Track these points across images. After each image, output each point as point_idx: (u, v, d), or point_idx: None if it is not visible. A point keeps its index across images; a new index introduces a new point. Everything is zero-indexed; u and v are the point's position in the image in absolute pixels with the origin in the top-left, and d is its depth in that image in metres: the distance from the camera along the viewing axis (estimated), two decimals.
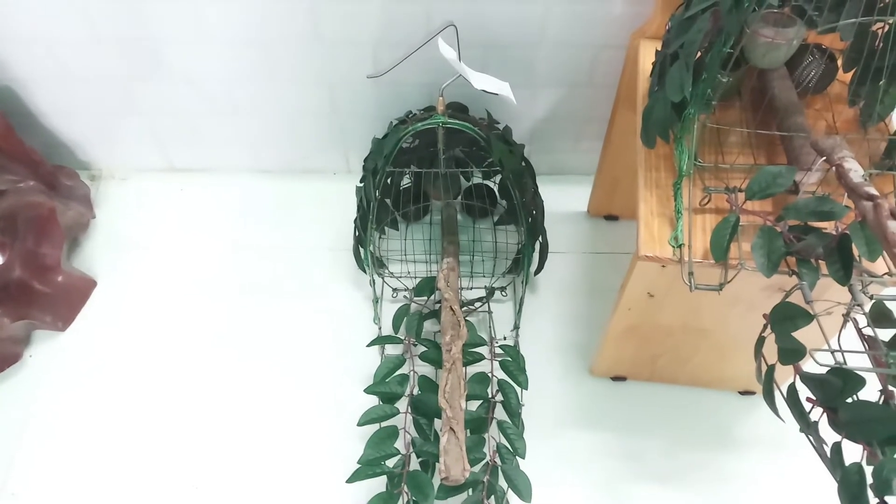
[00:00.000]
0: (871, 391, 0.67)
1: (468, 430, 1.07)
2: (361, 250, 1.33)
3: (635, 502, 1.18)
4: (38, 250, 1.32)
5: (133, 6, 1.23)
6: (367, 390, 1.13)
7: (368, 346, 1.27)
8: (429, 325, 1.31)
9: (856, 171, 0.77)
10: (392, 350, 1.31)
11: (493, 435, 1.10)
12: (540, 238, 1.32)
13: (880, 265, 0.81)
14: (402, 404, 1.13)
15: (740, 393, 1.29)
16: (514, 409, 1.12)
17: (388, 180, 1.32)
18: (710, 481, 1.20)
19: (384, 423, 1.10)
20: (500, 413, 1.13)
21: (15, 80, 1.38)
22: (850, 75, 0.96)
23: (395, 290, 1.39)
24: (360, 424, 1.09)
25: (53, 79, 1.39)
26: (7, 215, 1.28)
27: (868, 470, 0.63)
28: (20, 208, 1.30)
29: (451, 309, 1.16)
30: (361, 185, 1.26)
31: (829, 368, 0.68)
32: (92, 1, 1.22)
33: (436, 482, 1.01)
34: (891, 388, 0.67)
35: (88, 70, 1.36)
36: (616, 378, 1.31)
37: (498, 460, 1.06)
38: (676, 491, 1.19)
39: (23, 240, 1.30)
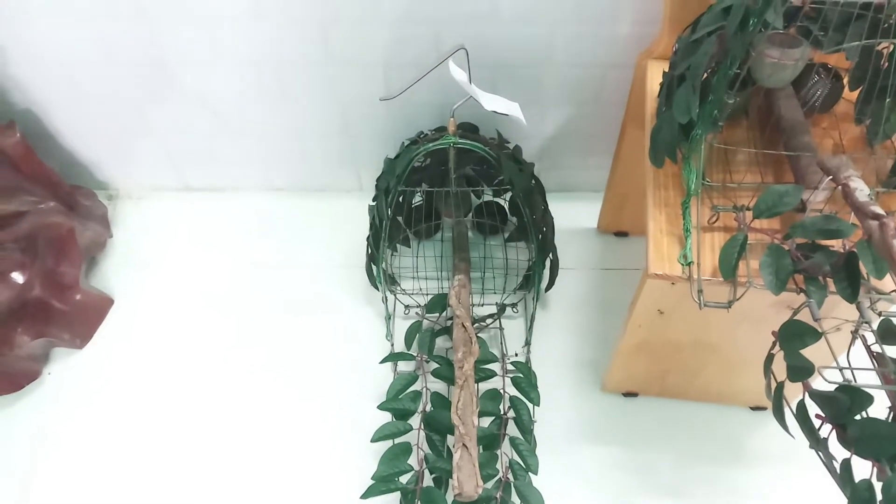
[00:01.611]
0: (880, 408, 0.68)
1: (481, 447, 1.08)
2: (374, 268, 1.35)
3: None
4: (57, 269, 1.34)
5: (148, 29, 1.26)
6: (381, 407, 1.15)
7: (381, 362, 1.28)
8: (441, 342, 1.32)
9: (861, 190, 0.78)
10: (404, 367, 1.32)
11: (506, 451, 1.11)
12: (550, 255, 1.33)
13: (888, 283, 0.81)
14: (415, 421, 1.14)
15: (751, 408, 1.29)
16: (526, 426, 1.13)
17: (401, 199, 1.34)
18: (721, 496, 1.20)
19: (397, 440, 1.11)
20: (512, 429, 1.14)
21: (35, 102, 1.41)
22: (856, 94, 0.97)
23: (407, 306, 1.41)
24: (373, 441, 1.10)
25: (71, 101, 1.42)
26: (28, 235, 1.31)
27: (878, 486, 0.64)
28: (40, 228, 1.32)
29: (463, 325, 1.17)
30: (374, 203, 1.28)
31: (837, 386, 0.69)
32: (108, 25, 1.25)
33: (449, 498, 1.02)
34: None
35: (105, 92, 1.39)
36: (627, 394, 1.31)
37: (510, 476, 1.07)
38: None
39: (42, 259, 1.32)
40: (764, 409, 1.28)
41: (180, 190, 1.66)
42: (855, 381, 0.70)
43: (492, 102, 1.07)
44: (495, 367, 1.21)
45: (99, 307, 1.44)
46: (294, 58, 1.31)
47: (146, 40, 1.28)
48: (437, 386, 1.21)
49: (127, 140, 1.53)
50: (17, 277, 1.28)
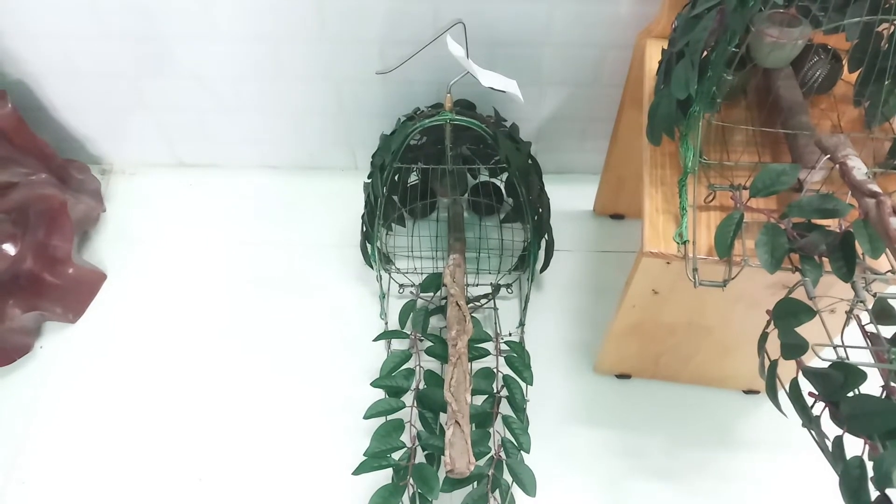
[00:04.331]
0: (872, 388, 0.68)
1: (473, 425, 1.08)
2: (368, 246, 1.34)
3: (638, 499, 1.19)
4: (49, 242, 1.33)
5: (142, 3, 1.25)
6: (374, 384, 1.14)
7: (375, 340, 1.28)
8: (435, 321, 1.32)
9: (859, 168, 0.78)
10: (398, 345, 1.32)
11: (498, 430, 1.11)
12: (546, 236, 1.33)
13: (883, 263, 0.81)
14: (408, 398, 1.14)
15: (744, 392, 1.29)
16: (518, 405, 1.13)
17: (396, 177, 1.33)
18: (712, 480, 1.21)
19: (390, 417, 1.11)
20: (505, 408, 1.14)
21: (27, 74, 1.40)
22: (855, 75, 0.97)
23: (401, 285, 1.40)
24: (366, 417, 1.10)
25: (64, 74, 1.40)
26: (19, 207, 1.30)
27: (869, 464, 0.64)
28: (32, 201, 1.31)
29: (457, 304, 1.17)
30: (369, 181, 1.27)
31: (830, 363, 0.69)
32: None
33: (441, 475, 1.02)
34: (893, 383, 0.68)
35: (99, 66, 1.38)
36: (620, 376, 1.32)
37: (503, 454, 1.07)
38: (679, 489, 1.20)
39: (34, 232, 1.31)
40: (757, 392, 1.28)
41: (174, 166, 1.65)
42: (848, 359, 0.70)
43: (489, 78, 1.06)
44: (489, 346, 1.21)
45: (91, 282, 1.43)
46: (290, 34, 1.30)
47: (141, 14, 1.27)
48: (431, 364, 1.21)
49: (121, 115, 1.52)
50: (9, 249, 1.27)
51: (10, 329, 1.29)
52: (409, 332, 1.26)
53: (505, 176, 1.40)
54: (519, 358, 1.18)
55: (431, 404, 1.13)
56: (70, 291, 1.39)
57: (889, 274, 0.81)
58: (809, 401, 0.72)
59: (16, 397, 1.31)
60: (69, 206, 1.35)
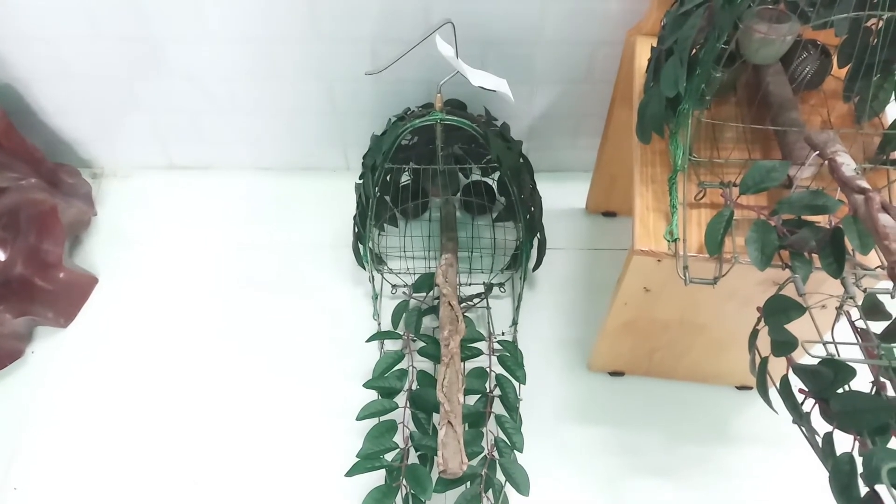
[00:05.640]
0: (862, 383, 0.68)
1: (466, 424, 1.08)
2: (361, 247, 1.34)
3: (633, 496, 1.19)
4: (39, 247, 1.33)
5: (134, 4, 1.24)
6: (366, 385, 1.14)
7: (367, 341, 1.27)
8: (428, 321, 1.31)
9: (848, 164, 0.78)
10: (391, 345, 1.32)
11: (492, 429, 1.11)
12: (538, 234, 1.32)
13: (873, 259, 0.81)
14: (401, 399, 1.14)
15: (737, 388, 1.29)
16: (511, 404, 1.13)
17: (388, 177, 1.33)
18: (707, 475, 1.20)
19: (383, 418, 1.11)
20: (498, 408, 1.14)
21: (16, 78, 1.39)
22: (844, 71, 0.97)
23: (394, 286, 1.40)
24: (358, 419, 1.10)
25: (55, 77, 1.40)
26: (9, 212, 1.29)
27: (859, 460, 0.64)
28: (22, 205, 1.30)
29: (450, 304, 1.17)
30: (360, 181, 1.27)
31: (820, 360, 0.69)
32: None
33: (434, 475, 1.02)
34: (883, 379, 0.68)
35: (90, 68, 1.37)
36: (614, 373, 1.32)
37: (496, 454, 1.07)
38: (674, 485, 1.20)
39: (25, 237, 1.31)
40: (750, 388, 1.28)
41: (166, 168, 1.64)
42: (838, 355, 0.70)
43: (479, 78, 1.06)
44: (482, 345, 1.21)
45: (83, 286, 1.43)
46: (282, 35, 1.29)
47: (132, 15, 1.26)
48: (424, 365, 1.21)
49: (112, 117, 1.51)
50: None
51: (2, 334, 1.29)
52: (401, 333, 1.25)
53: (497, 175, 1.40)
54: (512, 357, 1.18)
55: (424, 405, 1.12)
56: (61, 296, 1.38)
57: (878, 270, 0.81)
58: (800, 397, 0.72)
59: (8, 403, 1.31)
60: (60, 210, 1.35)
